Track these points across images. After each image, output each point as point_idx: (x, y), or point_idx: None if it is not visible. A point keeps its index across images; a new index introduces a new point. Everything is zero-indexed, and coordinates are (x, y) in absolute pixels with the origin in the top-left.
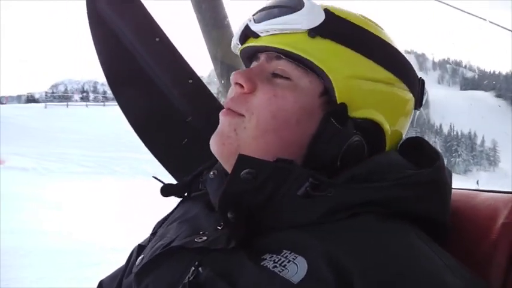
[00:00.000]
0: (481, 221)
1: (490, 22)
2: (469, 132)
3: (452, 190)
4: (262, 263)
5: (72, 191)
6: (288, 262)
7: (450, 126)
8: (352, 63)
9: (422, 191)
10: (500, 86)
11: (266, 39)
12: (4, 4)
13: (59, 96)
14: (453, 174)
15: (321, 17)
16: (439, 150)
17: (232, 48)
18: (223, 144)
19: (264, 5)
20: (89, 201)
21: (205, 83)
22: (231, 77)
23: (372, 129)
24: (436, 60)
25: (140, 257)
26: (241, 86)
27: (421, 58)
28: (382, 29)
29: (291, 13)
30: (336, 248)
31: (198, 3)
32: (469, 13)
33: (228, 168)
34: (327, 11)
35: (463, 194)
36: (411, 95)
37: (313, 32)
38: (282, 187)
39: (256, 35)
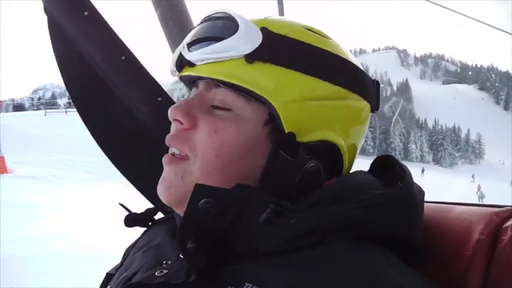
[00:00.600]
0: (455, 237)
1: (470, 17)
2: (454, 126)
3: (426, 204)
4: None
5: (79, 196)
6: None
7: (435, 120)
8: (296, 86)
9: (389, 211)
10: (482, 79)
11: (201, 69)
12: None
13: (46, 102)
14: (439, 167)
15: (257, 40)
16: (425, 145)
17: (170, 73)
18: (170, 195)
19: (197, 29)
20: (94, 206)
21: (170, 90)
22: (168, 112)
23: (326, 150)
24: (418, 55)
25: None
26: (181, 122)
27: (403, 54)
28: (327, 38)
29: (226, 38)
30: (297, 281)
31: (165, 20)
32: (450, 9)
33: (181, 212)
34: (264, 30)
35: (437, 208)
36: (365, 103)
37: (251, 58)
38: (243, 214)
39: (191, 64)
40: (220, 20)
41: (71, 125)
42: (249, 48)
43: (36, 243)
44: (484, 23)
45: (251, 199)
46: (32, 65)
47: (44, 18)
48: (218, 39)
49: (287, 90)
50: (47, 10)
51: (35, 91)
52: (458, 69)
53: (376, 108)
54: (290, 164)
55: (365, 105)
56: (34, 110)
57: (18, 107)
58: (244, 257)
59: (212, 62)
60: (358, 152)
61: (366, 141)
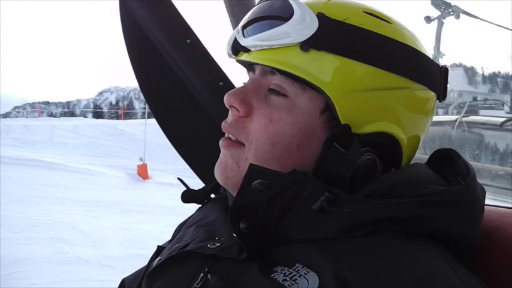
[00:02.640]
0: None
1: None
2: None
3: (487, 207)
4: (272, 275)
5: None
6: (299, 277)
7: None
8: (354, 76)
9: (449, 210)
10: None
11: (256, 55)
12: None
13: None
14: None
15: (313, 26)
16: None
17: (228, 56)
18: (227, 178)
19: (252, 12)
20: None
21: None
22: (224, 99)
23: (384, 142)
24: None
25: (157, 259)
26: (237, 109)
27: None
28: (389, 22)
29: (280, 24)
30: (349, 267)
31: (231, 6)
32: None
33: None
34: (321, 16)
35: (499, 211)
36: (430, 92)
37: (306, 45)
38: (296, 200)
39: (246, 50)
40: (277, 2)
41: None
42: (304, 36)
43: None
44: None
45: (306, 185)
46: (97, 67)
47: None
48: (273, 24)
49: (343, 80)
50: None
51: (100, 93)
52: None
53: (443, 97)
54: (344, 156)
55: (430, 96)
56: (112, 117)
57: (97, 114)
58: (297, 240)
59: (266, 49)
60: (421, 143)
61: None
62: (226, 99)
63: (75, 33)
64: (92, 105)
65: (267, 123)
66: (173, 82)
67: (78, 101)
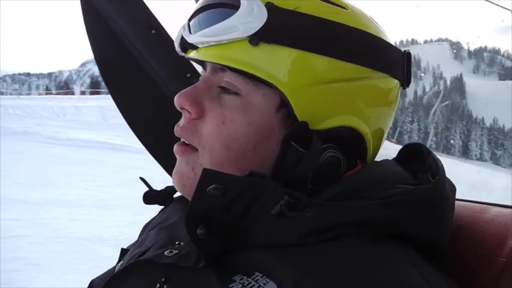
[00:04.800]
0: (488, 241)
1: None
2: None
3: (458, 202)
4: (230, 285)
5: None
6: (258, 287)
7: (494, 119)
8: (309, 68)
9: (416, 211)
10: None
11: (204, 52)
12: None
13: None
14: (498, 167)
15: (262, 18)
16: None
17: (178, 54)
18: (184, 186)
19: (198, 6)
20: None
21: None
22: (175, 100)
23: (347, 137)
24: (472, 49)
25: (119, 263)
26: (189, 111)
27: (456, 46)
28: (344, 7)
29: (227, 17)
30: (308, 275)
31: None
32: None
33: None
34: (270, 6)
35: (470, 207)
36: (392, 80)
37: (255, 39)
38: (255, 205)
39: (194, 47)
40: None
41: None
42: (252, 29)
43: None
44: None
45: (264, 189)
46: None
47: None
48: (219, 18)
49: (297, 74)
50: None
51: (83, 64)
52: None
53: (408, 83)
54: (303, 155)
55: (392, 82)
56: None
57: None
58: (257, 246)
59: (214, 45)
60: (385, 136)
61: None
62: (177, 100)
63: (55, 1)
64: (74, 77)
65: (220, 126)
66: (138, 73)
67: (60, 72)
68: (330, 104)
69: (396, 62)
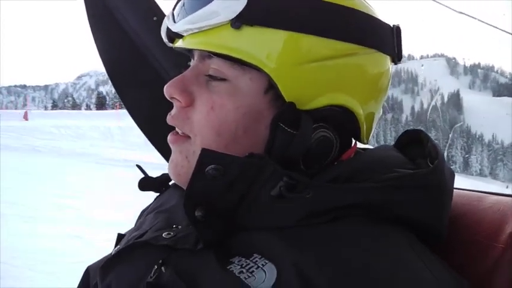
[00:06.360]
0: (486, 228)
1: None
2: None
3: (456, 191)
4: (229, 267)
5: None
6: (257, 268)
7: (493, 135)
8: (293, 48)
9: (416, 195)
10: None
11: (189, 40)
12: None
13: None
14: (497, 181)
15: (242, 0)
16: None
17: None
18: (179, 175)
19: None
20: None
21: None
22: (164, 90)
23: (339, 115)
24: (468, 64)
25: (116, 248)
26: (179, 100)
27: (453, 62)
28: None
29: (208, 3)
30: (308, 257)
31: None
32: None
33: None
34: None
35: (468, 195)
36: (382, 55)
37: (237, 23)
38: (254, 186)
39: (179, 35)
40: None
41: None
42: (233, 13)
43: None
44: None
45: (264, 170)
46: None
47: None
48: (201, 4)
49: (281, 54)
50: None
51: (79, 77)
52: (509, 81)
53: (399, 58)
54: (293, 136)
55: (381, 57)
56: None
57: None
58: (256, 228)
59: (198, 32)
60: (376, 121)
61: None
62: (166, 90)
63: (52, 14)
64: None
65: (209, 112)
66: (140, 61)
67: (57, 84)
68: (318, 83)
69: (385, 37)
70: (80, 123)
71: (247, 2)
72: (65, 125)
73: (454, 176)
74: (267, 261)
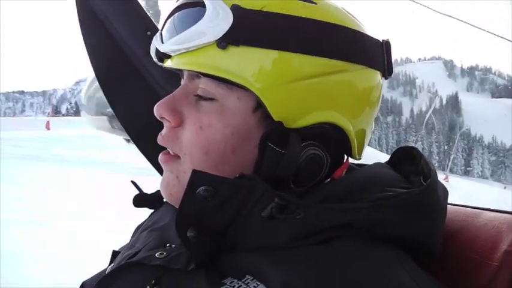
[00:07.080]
0: (481, 246)
1: None
2: None
3: (450, 206)
4: None
5: None
6: None
7: (492, 137)
8: (279, 67)
9: (409, 214)
10: None
11: (177, 60)
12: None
13: None
14: (500, 184)
15: (228, 20)
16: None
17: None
18: (171, 195)
19: (169, 14)
20: None
21: None
22: (154, 110)
23: (329, 133)
24: (465, 67)
25: (110, 266)
26: (168, 120)
27: (450, 65)
28: (313, 1)
29: (194, 23)
30: (299, 278)
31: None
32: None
33: None
34: (235, 8)
35: (463, 211)
36: (372, 71)
37: (223, 43)
38: (245, 207)
39: (168, 56)
40: (190, 2)
41: None
42: (218, 33)
43: None
44: None
45: (254, 191)
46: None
47: None
48: (187, 24)
49: (267, 74)
50: None
51: (77, 83)
52: (507, 83)
53: (389, 73)
54: (282, 156)
55: (371, 74)
56: None
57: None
58: (248, 248)
59: (185, 52)
60: (368, 136)
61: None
62: (156, 110)
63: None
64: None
65: (198, 132)
66: (134, 75)
67: (55, 90)
68: (306, 101)
69: (374, 53)
70: (98, 132)
71: (233, 23)
72: (84, 135)
73: (447, 193)
74: (258, 283)
